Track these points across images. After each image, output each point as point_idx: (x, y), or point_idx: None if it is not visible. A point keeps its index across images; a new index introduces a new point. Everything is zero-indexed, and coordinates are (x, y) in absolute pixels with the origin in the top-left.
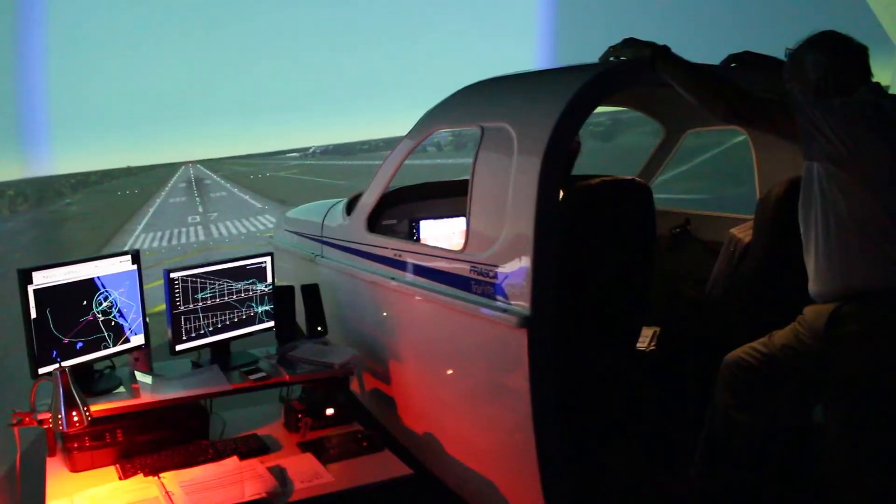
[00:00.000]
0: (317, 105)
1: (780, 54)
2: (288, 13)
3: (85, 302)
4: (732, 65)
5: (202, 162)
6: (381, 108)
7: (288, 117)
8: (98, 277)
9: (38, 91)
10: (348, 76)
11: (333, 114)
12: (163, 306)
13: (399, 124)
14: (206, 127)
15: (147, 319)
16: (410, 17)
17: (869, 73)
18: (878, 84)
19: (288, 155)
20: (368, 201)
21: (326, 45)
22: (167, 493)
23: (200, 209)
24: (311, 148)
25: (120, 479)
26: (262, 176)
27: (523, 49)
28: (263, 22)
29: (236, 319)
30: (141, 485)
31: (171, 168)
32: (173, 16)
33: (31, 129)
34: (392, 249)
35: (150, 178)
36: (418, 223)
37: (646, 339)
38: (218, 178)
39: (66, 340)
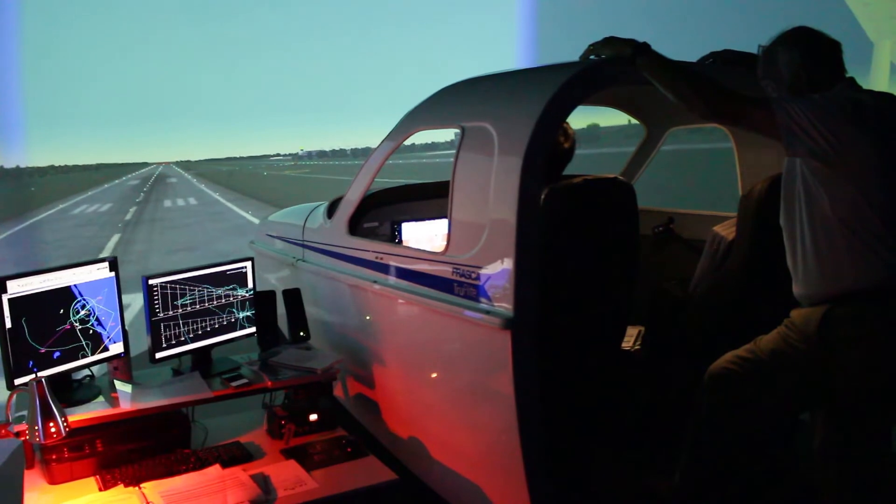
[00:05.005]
0: (305, 110)
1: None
2: (275, 15)
3: (62, 310)
4: (710, 61)
5: (177, 163)
6: (374, 115)
7: (272, 121)
8: (75, 285)
9: (15, 83)
10: (337, 79)
11: (320, 120)
12: None
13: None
14: (187, 128)
15: (126, 327)
16: (404, 16)
17: (842, 69)
18: (852, 79)
19: (272, 158)
20: (349, 204)
21: (317, 45)
22: (148, 503)
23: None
24: (300, 151)
25: (100, 490)
26: (255, 173)
27: (504, 48)
28: (253, 22)
29: (217, 326)
30: (122, 496)
31: (143, 167)
32: (161, 14)
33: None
34: (373, 252)
35: (107, 174)
36: (399, 225)
37: (630, 339)
38: (189, 177)
39: (42, 350)
